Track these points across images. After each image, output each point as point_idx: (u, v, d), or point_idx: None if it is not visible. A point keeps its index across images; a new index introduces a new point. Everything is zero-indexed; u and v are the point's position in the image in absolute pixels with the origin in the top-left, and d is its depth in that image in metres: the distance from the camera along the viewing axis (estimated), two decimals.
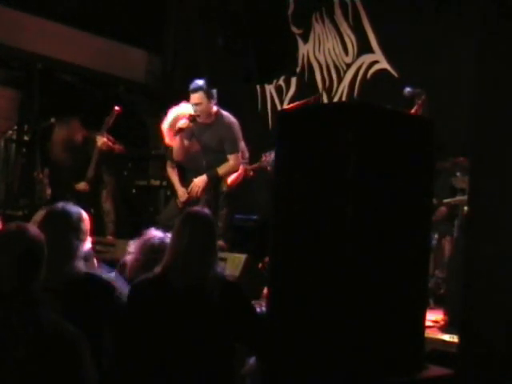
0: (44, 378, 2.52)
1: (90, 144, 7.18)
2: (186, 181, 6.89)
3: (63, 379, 2.56)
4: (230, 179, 6.43)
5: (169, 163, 7.00)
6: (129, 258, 4.01)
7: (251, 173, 6.82)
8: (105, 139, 7.20)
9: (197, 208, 3.75)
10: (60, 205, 3.48)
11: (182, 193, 6.81)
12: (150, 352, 3.29)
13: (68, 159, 7.18)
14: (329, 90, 8.32)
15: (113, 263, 5.19)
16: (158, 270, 3.42)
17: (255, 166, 6.84)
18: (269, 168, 6.49)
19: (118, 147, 7.43)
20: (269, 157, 6.41)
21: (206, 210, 3.61)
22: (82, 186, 7.10)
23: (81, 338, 2.65)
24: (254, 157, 6.96)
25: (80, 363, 2.60)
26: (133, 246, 3.99)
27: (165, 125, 6.64)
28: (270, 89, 8.95)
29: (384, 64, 7.80)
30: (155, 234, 3.97)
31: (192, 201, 6.66)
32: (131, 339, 3.37)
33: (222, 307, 3.35)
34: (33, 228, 2.77)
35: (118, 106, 7.29)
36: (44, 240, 2.74)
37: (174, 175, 6.95)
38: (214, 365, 3.32)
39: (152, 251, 3.81)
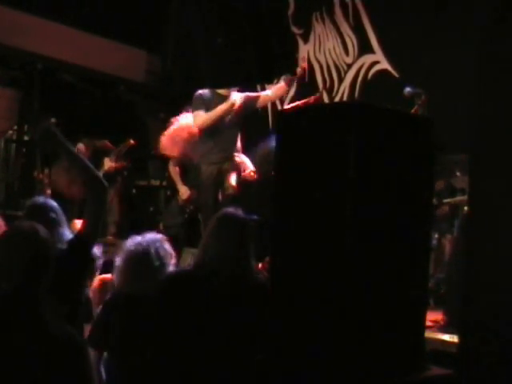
0: (48, 379, 2.51)
1: (95, 156, 7.23)
2: (187, 179, 6.91)
3: (67, 381, 2.55)
4: (236, 182, 6.41)
5: (171, 161, 7.02)
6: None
7: (253, 174, 6.83)
8: (112, 164, 7.37)
9: (232, 209, 3.75)
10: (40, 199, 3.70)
11: (184, 191, 6.84)
12: (179, 350, 3.31)
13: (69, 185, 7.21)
14: (329, 91, 8.33)
15: (113, 263, 5.19)
16: (190, 266, 3.47)
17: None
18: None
19: (122, 165, 7.58)
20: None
21: (240, 212, 3.63)
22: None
23: (85, 344, 2.65)
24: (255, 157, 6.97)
25: (84, 366, 2.59)
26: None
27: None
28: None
29: (385, 64, 7.80)
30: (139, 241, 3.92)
31: (194, 199, 6.68)
32: (162, 334, 3.39)
33: (248, 308, 3.36)
34: (43, 229, 2.74)
35: (133, 140, 7.51)
36: (52, 242, 2.74)
37: (176, 173, 6.97)
38: (240, 366, 3.33)
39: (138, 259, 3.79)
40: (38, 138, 3.69)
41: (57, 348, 2.54)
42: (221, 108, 6.34)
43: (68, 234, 3.63)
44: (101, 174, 7.12)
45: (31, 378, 2.50)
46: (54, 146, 3.63)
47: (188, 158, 6.77)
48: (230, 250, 3.40)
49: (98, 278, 5.07)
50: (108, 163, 7.39)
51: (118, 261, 3.88)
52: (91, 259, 3.63)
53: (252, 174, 6.79)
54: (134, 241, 3.88)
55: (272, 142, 5.26)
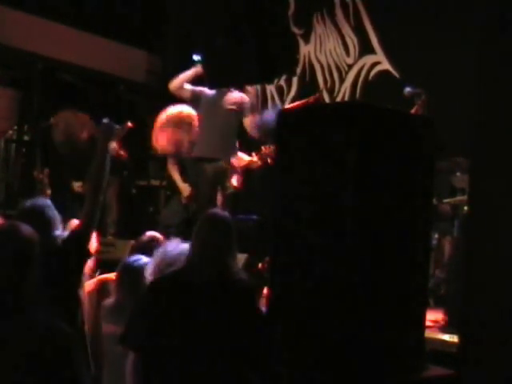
0: (35, 378, 2.51)
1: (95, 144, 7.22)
2: (187, 177, 6.91)
3: (55, 380, 2.54)
4: (236, 181, 6.42)
5: (170, 160, 7.02)
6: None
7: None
8: (114, 145, 7.41)
9: (216, 210, 3.77)
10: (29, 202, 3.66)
11: (184, 188, 6.85)
12: (165, 351, 3.31)
13: (68, 152, 7.22)
14: (331, 91, 8.33)
15: (113, 263, 5.18)
16: (177, 268, 3.47)
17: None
18: (269, 160, 6.53)
19: (123, 154, 7.62)
20: (269, 149, 6.46)
21: (224, 212, 3.64)
22: (79, 186, 7.13)
23: (74, 338, 2.64)
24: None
25: (72, 364, 2.59)
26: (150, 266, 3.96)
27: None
28: (270, 89, 8.96)
29: (386, 65, 7.81)
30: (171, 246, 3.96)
31: (195, 196, 6.69)
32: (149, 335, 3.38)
33: (232, 309, 3.35)
34: (25, 227, 2.72)
35: (131, 123, 7.53)
36: (36, 239, 2.73)
37: (175, 172, 6.98)
38: (226, 367, 3.32)
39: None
40: (103, 125, 3.88)
41: (44, 346, 2.54)
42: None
43: (63, 234, 3.63)
44: None
45: (18, 377, 2.50)
46: (103, 139, 3.84)
47: (183, 152, 6.79)
48: (211, 250, 3.39)
49: (96, 279, 5.06)
50: (111, 145, 7.49)
51: (152, 265, 3.90)
52: (87, 255, 3.63)
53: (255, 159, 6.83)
54: (167, 247, 3.92)
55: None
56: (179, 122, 6.71)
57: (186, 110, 6.74)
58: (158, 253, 3.92)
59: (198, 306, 3.31)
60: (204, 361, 3.27)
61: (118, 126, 3.90)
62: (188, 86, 6.72)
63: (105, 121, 3.87)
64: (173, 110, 6.76)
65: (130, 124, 7.60)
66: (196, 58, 6.71)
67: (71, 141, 7.17)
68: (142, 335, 3.36)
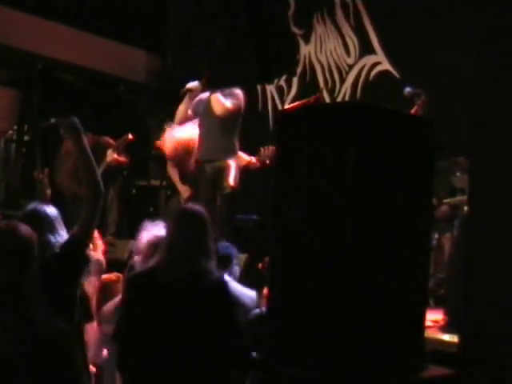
0: (34, 377, 2.51)
1: (96, 150, 7.25)
2: (186, 178, 6.92)
3: (53, 378, 2.54)
4: (233, 181, 6.41)
5: (169, 162, 7.03)
6: (136, 259, 4.02)
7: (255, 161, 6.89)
8: (115, 156, 7.54)
9: (190, 205, 3.73)
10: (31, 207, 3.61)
11: (184, 190, 6.86)
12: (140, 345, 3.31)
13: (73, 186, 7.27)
14: (331, 91, 8.33)
15: (113, 263, 5.20)
16: (150, 264, 3.45)
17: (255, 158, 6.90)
18: (267, 162, 6.54)
19: (124, 160, 7.70)
20: (267, 150, 6.47)
21: (199, 207, 3.56)
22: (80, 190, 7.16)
23: (74, 337, 2.64)
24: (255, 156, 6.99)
25: (72, 363, 2.59)
26: (136, 246, 3.99)
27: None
28: (270, 89, 8.96)
29: (386, 65, 7.82)
30: (153, 231, 3.97)
31: (195, 197, 6.70)
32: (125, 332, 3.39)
33: (203, 305, 3.33)
34: (23, 227, 2.75)
35: (132, 135, 7.73)
36: (35, 239, 2.74)
37: (174, 174, 6.99)
38: (199, 363, 3.31)
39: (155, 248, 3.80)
40: (62, 126, 3.55)
41: (44, 345, 2.55)
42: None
43: (63, 236, 3.63)
44: (103, 166, 7.21)
45: (18, 376, 2.50)
46: (74, 141, 3.57)
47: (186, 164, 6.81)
48: (180, 249, 3.34)
49: (100, 279, 5.06)
50: (111, 155, 7.57)
51: (138, 253, 3.91)
52: (85, 260, 3.63)
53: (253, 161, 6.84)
54: (150, 233, 3.92)
55: None
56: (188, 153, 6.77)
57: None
58: (143, 235, 3.91)
59: (170, 306, 3.29)
60: (178, 359, 3.26)
61: (76, 120, 3.61)
62: (189, 111, 6.66)
63: (52, 120, 3.59)
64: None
65: (130, 137, 7.70)
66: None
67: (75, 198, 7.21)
68: (124, 333, 3.37)
